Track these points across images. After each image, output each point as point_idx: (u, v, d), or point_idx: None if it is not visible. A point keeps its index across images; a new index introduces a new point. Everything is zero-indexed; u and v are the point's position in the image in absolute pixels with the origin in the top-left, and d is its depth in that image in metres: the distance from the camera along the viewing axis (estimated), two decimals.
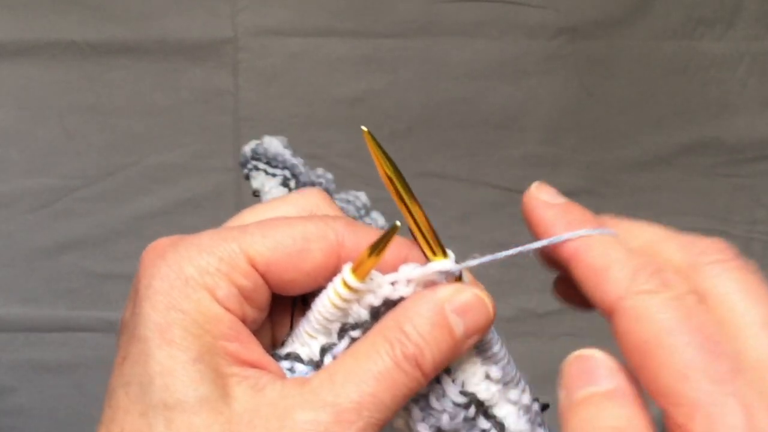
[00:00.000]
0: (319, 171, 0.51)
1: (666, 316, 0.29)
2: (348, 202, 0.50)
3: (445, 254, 0.33)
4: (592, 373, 0.31)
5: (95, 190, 1.14)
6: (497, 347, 0.34)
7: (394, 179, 0.32)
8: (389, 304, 0.33)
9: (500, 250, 0.33)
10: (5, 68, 1.12)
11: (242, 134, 1.16)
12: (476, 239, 1.17)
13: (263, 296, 0.34)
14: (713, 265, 0.31)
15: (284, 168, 0.48)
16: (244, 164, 0.50)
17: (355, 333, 0.33)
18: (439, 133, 1.19)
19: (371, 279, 0.33)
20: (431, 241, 0.32)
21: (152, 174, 1.15)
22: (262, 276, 0.33)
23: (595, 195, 1.21)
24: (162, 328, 0.31)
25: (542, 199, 0.35)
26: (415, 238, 0.33)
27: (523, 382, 0.35)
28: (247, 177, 0.50)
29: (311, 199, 0.37)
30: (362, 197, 0.51)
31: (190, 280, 0.32)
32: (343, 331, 0.33)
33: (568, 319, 1.14)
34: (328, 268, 0.34)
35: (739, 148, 1.25)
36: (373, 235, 0.33)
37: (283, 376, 0.32)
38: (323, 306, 0.33)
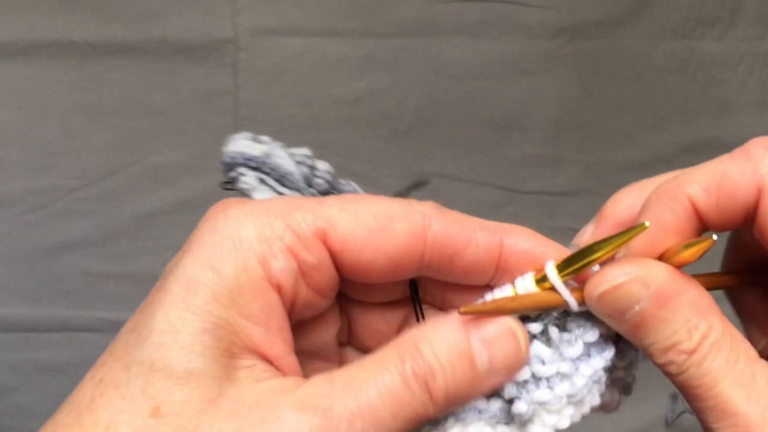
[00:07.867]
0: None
1: None
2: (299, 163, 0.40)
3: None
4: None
5: (95, 190, 1.14)
6: None
7: None
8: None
9: None
10: (5, 68, 1.12)
11: None
12: None
13: (326, 278, 0.30)
14: None
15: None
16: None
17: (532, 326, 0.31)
18: (439, 133, 1.19)
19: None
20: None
21: (152, 174, 1.15)
22: (336, 254, 0.30)
23: (595, 195, 1.20)
24: (189, 284, 0.28)
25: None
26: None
27: None
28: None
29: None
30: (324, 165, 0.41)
31: (243, 243, 0.28)
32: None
33: None
34: (412, 254, 0.30)
35: None
36: (465, 223, 0.32)
37: (298, 379, 0.29)
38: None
